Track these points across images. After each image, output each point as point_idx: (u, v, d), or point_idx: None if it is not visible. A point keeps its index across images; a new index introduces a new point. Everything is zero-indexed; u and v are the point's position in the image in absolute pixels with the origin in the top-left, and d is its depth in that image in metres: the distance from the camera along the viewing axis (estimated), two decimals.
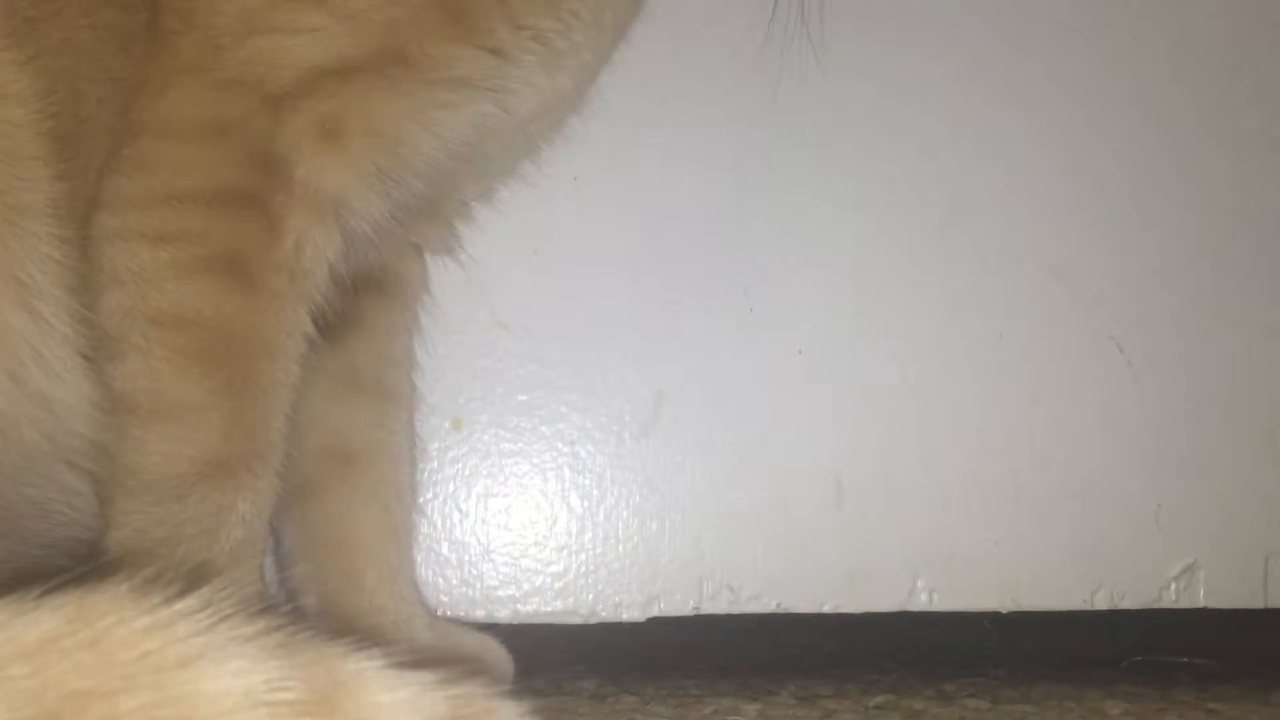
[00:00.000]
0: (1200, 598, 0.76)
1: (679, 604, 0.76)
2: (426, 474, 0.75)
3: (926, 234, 0.78)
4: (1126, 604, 0.76)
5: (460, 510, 0.76)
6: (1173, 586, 0.76)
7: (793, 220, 0.78)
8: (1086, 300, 0.78)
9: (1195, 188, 0.79)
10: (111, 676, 0.29)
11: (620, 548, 0.76)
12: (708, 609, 0.76)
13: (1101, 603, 0.76)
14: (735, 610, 0.76)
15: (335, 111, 0.57)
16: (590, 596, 0.76)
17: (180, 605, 0.32)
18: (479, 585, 0.76)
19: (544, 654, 0.80)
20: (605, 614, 0.76)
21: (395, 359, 0.70)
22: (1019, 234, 0.78)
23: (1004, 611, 0.76)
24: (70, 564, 0.54)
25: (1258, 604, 0.76)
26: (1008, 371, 0.78)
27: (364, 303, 0.68)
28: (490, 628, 0.73)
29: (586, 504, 0.77)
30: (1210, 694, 0.71)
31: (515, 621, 0.75)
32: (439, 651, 0.66)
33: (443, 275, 0.75)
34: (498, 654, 0.69)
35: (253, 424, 0.56)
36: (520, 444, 0.77)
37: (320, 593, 0.67)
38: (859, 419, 0.77)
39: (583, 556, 0.76)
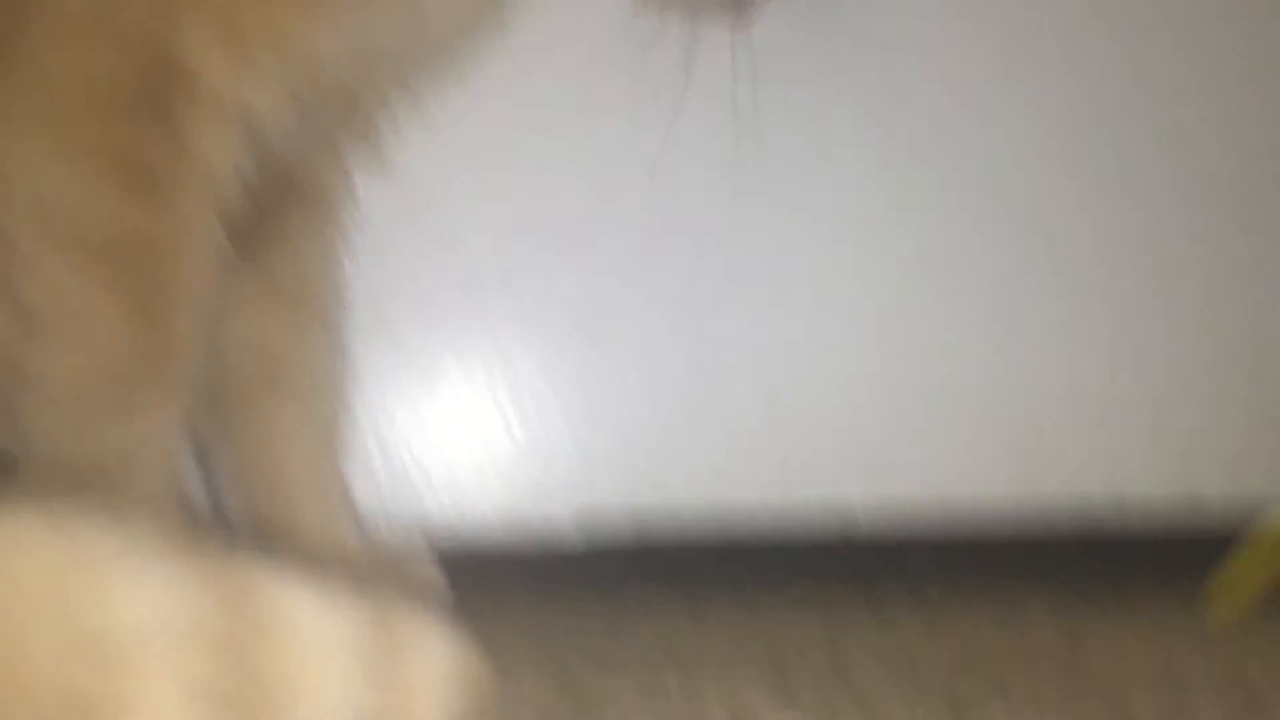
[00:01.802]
0: (1128, 505, 0.77)
1: (614, 516, 0.75)
2: (356, 384, 0.74)
3: (867, 142, 0.77)
4: (1058, 511, 0.77)
5: (391, 421, 0.75)
6: (1103, 494, 0.77)
7: (731, 123, 0.76)
8: (1021, 206, 0.78)
9: (1130, 92, 0.78)
10: (18, 605, 0.28)
11: (555, 459, 0.76)
12: (644, 517, 0.76)
13: (1034, 510, 0.77)
14: (671, 518, 0.76)
15: (237, 15, 0.55)
16: (525, 508, 0.75)
17: (91, 525, 0.30)
18: (411, 497, 0.75)
19: (477, 566, 0.79)
20: (540, 526, 0.76)
21: (321, 271, 0.68)
22: (957, 139, 0.77)
23: (938, 518, 0.77)
24: None
25: (1185, 509, 0.77)
26: (944, 281, 0.78)
27: (285, 215, 0.67)
28: (424, 540, 0.72)
29: (520, 414, 0.76)
30: (1132, 595, 0.72)
31: (448, 534, 0.75)
32: (371, 565, 0.65)
33: (371, 182, 0.73)
34: (430, 567, 0.68)
35: (163, 335, 0.54)
36: (451, 350, 0.75)
37: (247, 507, 0.65)
38: (794, 327, 0.77)
39: (517, 468, 0.76)
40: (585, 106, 0.75)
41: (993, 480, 0.77)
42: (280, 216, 0.66)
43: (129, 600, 0.29)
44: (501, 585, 0.76)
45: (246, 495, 0.65)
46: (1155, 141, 0.79)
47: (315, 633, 0.33)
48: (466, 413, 0.76)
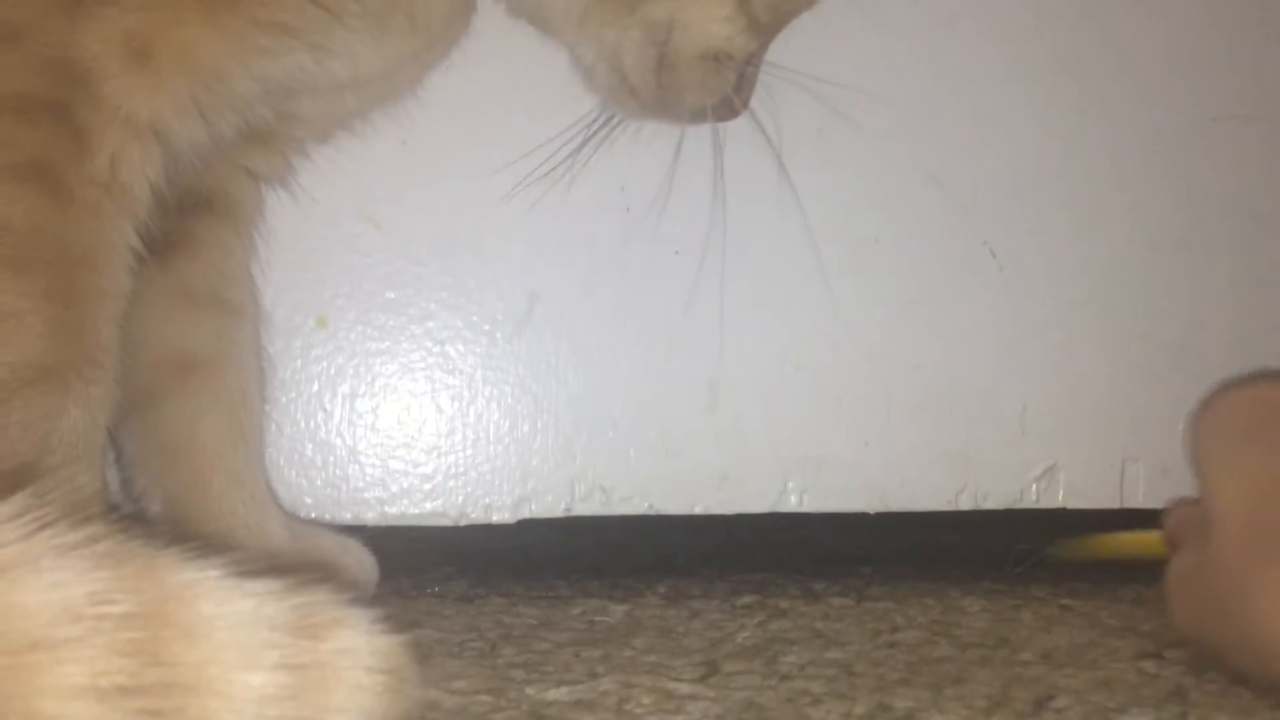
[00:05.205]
0: (1059, 499, 0.78)
1: (550, 505, 0.75)
2: (289, 373, 0.73)
3: (803, 140, 0.77)
4: (989, 505, 0.78)
5: (325, 410, 0.74)
6: (1034, 488, 0.78)
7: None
8: (960, 206, 0.78)
9: (1068, 95, 0.79)
10: None
11: (491, 449, 0.75)
12: (579, 510, 0.75)
13: (965, 503, 0.78)
14: (607, 512, 0.75)
15: (142, 29, 0.55)
16: (460, 498, 0.75)
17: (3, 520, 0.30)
18: (345, 487, 0.74)
19: (412, 556, 0.79)
20: (475, 516, 0.75)
21: (232, 277, 0.69)
22: (895, 140, 0.78)
23: (872, 512, 0.77)
24: None
25: (1114, 505, 0.79)
26: (882, 276, 0.78)
27: (193, 222, 0.67)
28: (357, 530, 0.72)
29: (456, 405, 0.75)
30: (1064, 590, 0.73)
31: (382, 524, 0.74)
32: (296, 555, 0.65)
33: (307, 167, 0.72)
34: (361, 557, 0.68)
35: (79, 331, 0.54)
36: (388, 343, 0.75)
37: (165, 500, 0.65)
38: (734, 322, 0.77)
39: (452, 458, 0.75)
40: (531, 92, 0.74)
41: (928, 476, 0.78)
42: (189, 223, 0.67)
43: (30, 582, 0.29)
44: (435, 577, 0.75)
45: (158, 478, 0.65)
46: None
47: (227, 622, 0.32)
48: (402, 401, 0.75)
